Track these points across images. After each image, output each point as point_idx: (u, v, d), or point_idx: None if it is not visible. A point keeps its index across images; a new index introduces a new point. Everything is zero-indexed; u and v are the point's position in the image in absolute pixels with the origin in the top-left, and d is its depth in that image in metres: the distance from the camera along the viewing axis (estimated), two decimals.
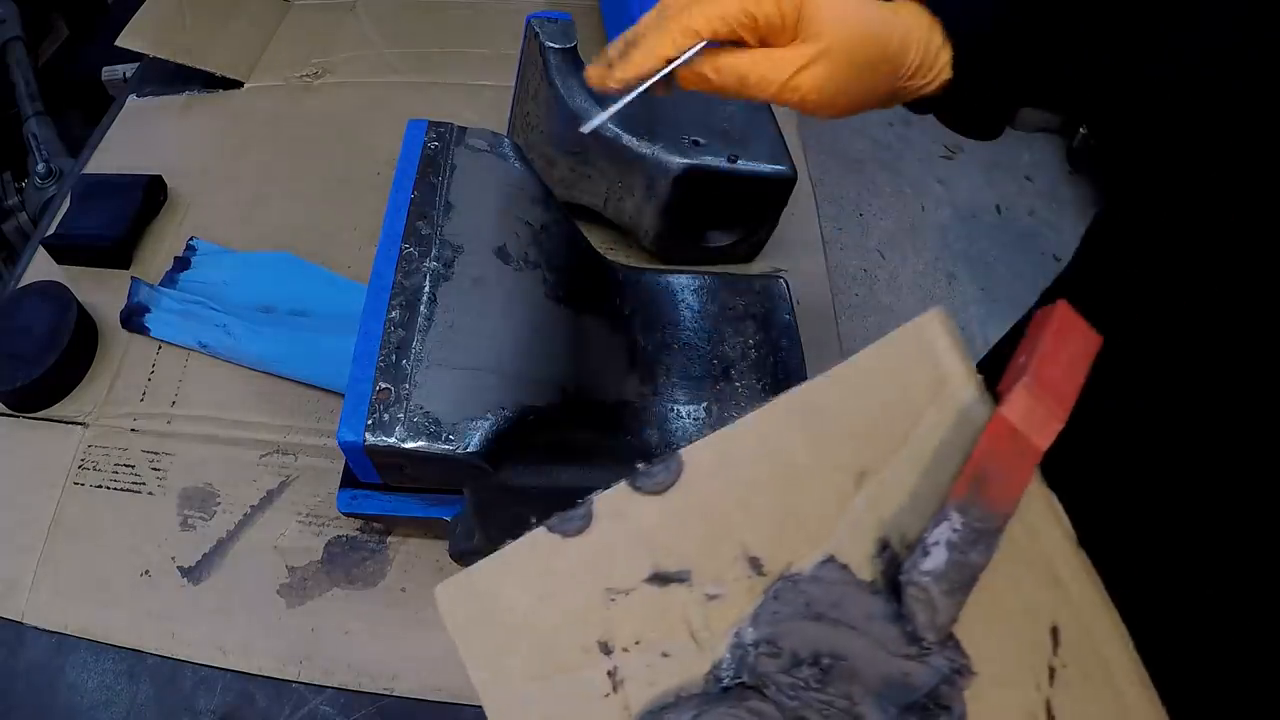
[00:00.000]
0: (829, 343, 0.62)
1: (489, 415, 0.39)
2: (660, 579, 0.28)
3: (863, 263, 1.78)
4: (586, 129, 0.40)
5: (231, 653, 0.48)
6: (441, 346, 0.40)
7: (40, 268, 0.65)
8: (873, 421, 0.29)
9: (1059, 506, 0.28)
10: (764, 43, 0.37)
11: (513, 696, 0.27)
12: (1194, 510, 0.39)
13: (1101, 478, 0.44)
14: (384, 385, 0.39)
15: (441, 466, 0.40)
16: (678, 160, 0.56)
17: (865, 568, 0.28)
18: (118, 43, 0.73)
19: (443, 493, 0.48)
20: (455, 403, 0.39)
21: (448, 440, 0.38)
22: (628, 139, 0.57)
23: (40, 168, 0.93)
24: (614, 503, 0.28)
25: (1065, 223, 1.86)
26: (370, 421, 0.38)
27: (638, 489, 0.28)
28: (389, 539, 0.52)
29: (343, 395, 0.40)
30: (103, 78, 0.96)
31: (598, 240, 0.64)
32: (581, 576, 0.27)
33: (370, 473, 0.41)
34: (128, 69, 0.91)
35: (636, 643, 0.27)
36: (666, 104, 0.58)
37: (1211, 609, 0.40)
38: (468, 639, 0.27)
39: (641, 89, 0.38)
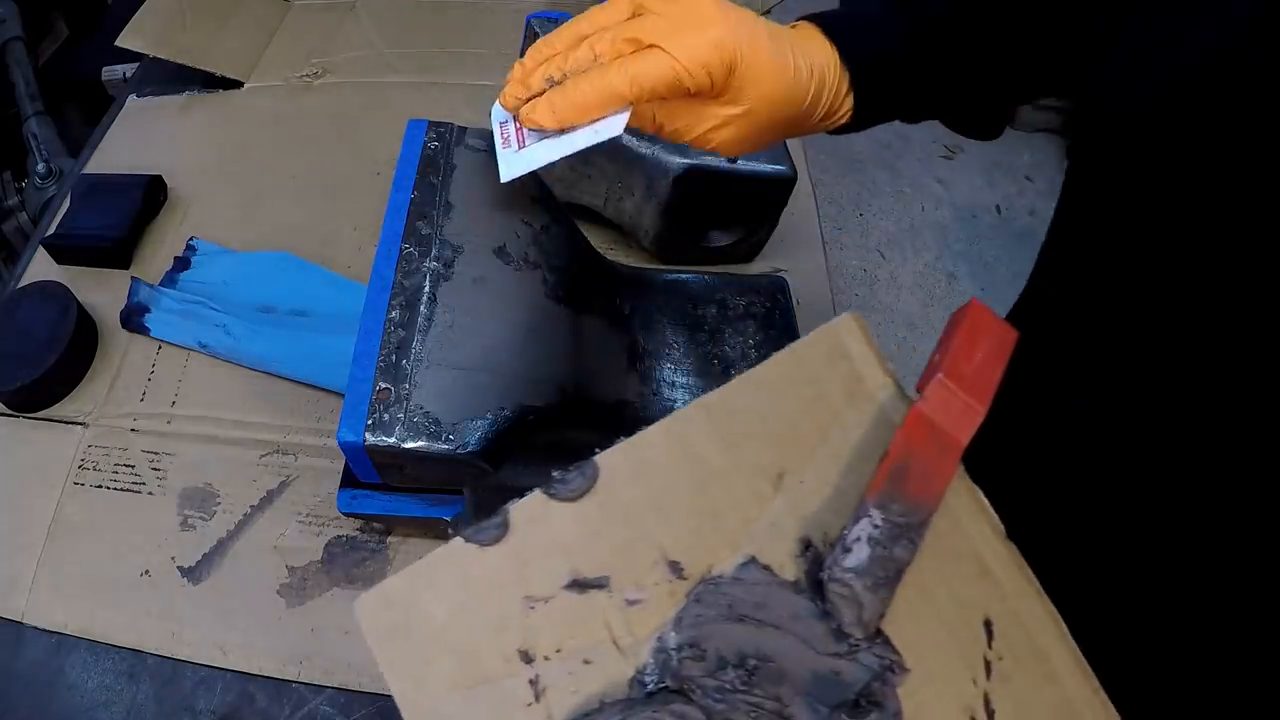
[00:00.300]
0: None
1: (489, 415, 0.39)
2: (579, 585, 0.27)
3: (863, 263, 1.78)
4: (505, 179, 0.40)
5: (231, 653, 0.48)
6: (441, 346, 0.40)
7: (40, 268, 0.65)
8: (790, 422, 0.29)
9: (985, 500, 0.28)
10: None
11: (434, 708, 0.26)
12: (1142, 506, 0.39)
13: (1053, 473, 0.45)
14: (384, 385, 0.39)
15: (441, 466, 0.40)
16: (678, 160, 0.56)
17: (788, 567, 0.28)
18: (118, 43, 0.73)
19: (443, 493, 0.48)
20: (455, 403, 0.39)
21: (448, 440, 0.38)
22: (628, 138, 0.57)
23: (40, 168, 0.93)
24: (530, 510, 0.28)
25: None
26: (370, 421, 0.38)
27: (553, 496, 0.28)
28: (389, 539, 0.52)
29: (343, 395, 0.40)
30: (103, 78, 0.96)
31: (598, 240, 0.64)
32: (500, 585, 0.27)
33: (370, 473, 0.41)
34: (128, 69, 0.91)
35: (558, 650, 0.27)
36: None
37: (1150, 600, 0.40)
38: (387, 651, 0.27)
39: (577, 150, 0.38)
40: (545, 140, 0.39)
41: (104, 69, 0.96)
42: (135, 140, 0.76)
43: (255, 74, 0.80)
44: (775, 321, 0.57)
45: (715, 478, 0.28)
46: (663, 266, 0.63)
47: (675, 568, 0.28)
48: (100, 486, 0.54)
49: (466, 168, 0.47)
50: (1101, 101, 0.36)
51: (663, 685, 0.26)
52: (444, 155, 0.47)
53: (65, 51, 1.15)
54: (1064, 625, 0.28)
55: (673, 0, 0.37)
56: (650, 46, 0.36)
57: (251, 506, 0.53)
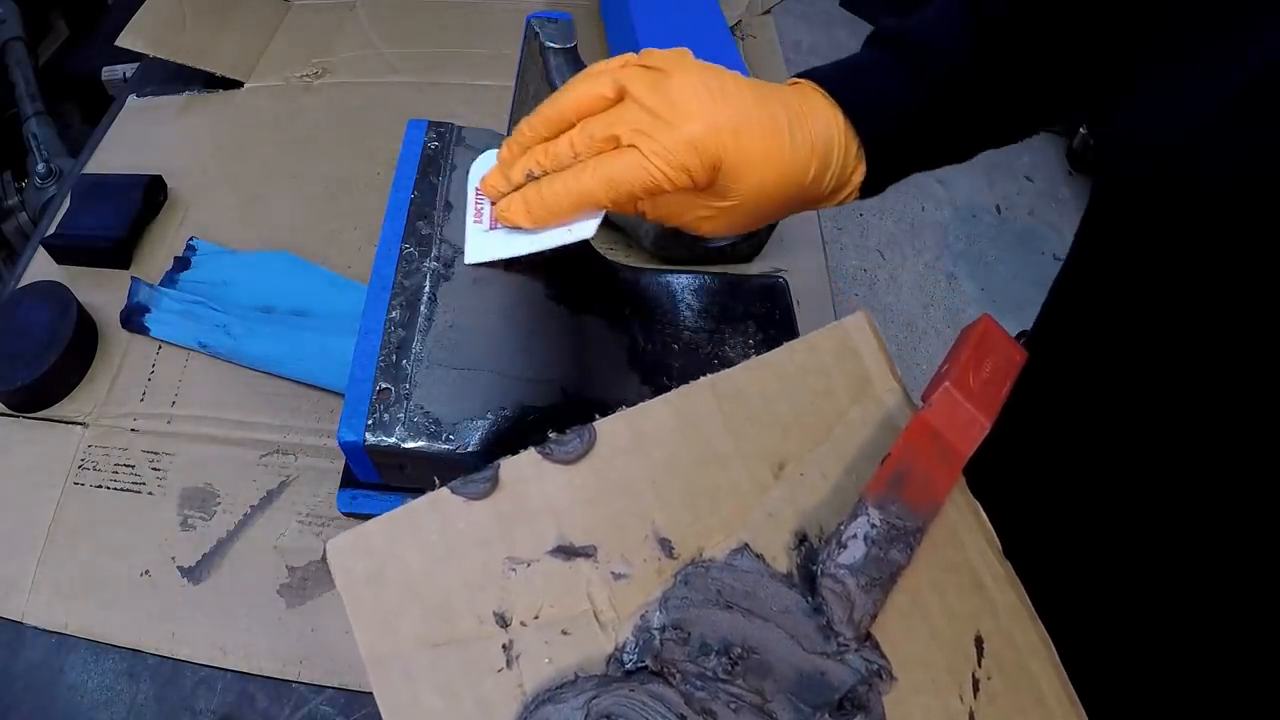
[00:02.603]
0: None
1: (489, 415, 0.39)
2: (565, 552, 0.26)
3: (863, 263, 1.78)
4: (470, 261, 0.40)
5: (231, 653, 0.47)
6: (441, 346, 0.40)
7: (40, 268, 0.65)
8: (795, 413, 0.28)
9: (984, 516, 0.28)
10: None
11: (399, 663, 0.25)
12: (1138, 527, 0.39)
13: (1054, 496, 0.44)
14: (384, 385, 0.39)
15: (442, 466, 0.40)
16: None
17: (782, 559, 0.27)
18: (118, 43, 0.73)
19: None
20: (455, 403, 0.39)
21: (448, 440, 0.38)
22: None
23: (40, 168, 0.93)
24: (522, 469, 0.27)
25: (1065, 223, 1.86)
26: (370, 421, 0.38)
27: (547, 456, 0.27)
28: None
29: (343, 395, 0.40)
30: (103, 78, 0.96)
31: (598, 240, 0.63)
32: (482, 542, 0.26)
33: (370, 472, 0.41)
34: (128, 69, 0.91)
35: (535, 617, 0.26)
36: None
37: (1144, 627, 0.40)
38: (357, 597, 0.26)
39: (546, 249, 0.38)
40: (516, 233, 0.39)
41: (104, 69, 0.96)
42: (135, 140, 0.75)
43: (255, 74, 0.80)
44: (775, 322, 0.57)
45: (716, 459, 0.28)
46: (663, 267, 0.63)
47: (666, 545, 0.27)
48: (100, 486, 0.54)
49: (466, 167, 0.47)
50: (1130, 134, 0.34)
51: (642, 665, 0.25)
52: (444, 155, 0.47)
53: (65, 51, 1.15)
54: (1054, 650, 0.27)
55: (656, 85, 0.34)
56: (629, 146, 0.34)
57: (251, 506, 0.53)
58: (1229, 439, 0.33)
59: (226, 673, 0.47)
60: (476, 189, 0.42)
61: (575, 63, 0.57)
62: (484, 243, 0.40)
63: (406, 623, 0.25)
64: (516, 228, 0.38)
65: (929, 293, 1.76)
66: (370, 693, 0.46)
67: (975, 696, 0.26)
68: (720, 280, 0.59)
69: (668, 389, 0.52)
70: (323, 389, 0.57)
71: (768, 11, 0.89)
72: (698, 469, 0.27)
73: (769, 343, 0.56)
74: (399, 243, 0.43)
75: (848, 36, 2.32)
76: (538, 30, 0.57)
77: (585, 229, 0.37)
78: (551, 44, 0.56)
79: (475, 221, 0.41)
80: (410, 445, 0.38)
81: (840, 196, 0.40)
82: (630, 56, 0.37)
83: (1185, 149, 0.30)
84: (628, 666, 0.25)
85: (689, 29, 0.71)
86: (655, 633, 0.26)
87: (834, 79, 0.39)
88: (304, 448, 0.55)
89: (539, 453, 0.27)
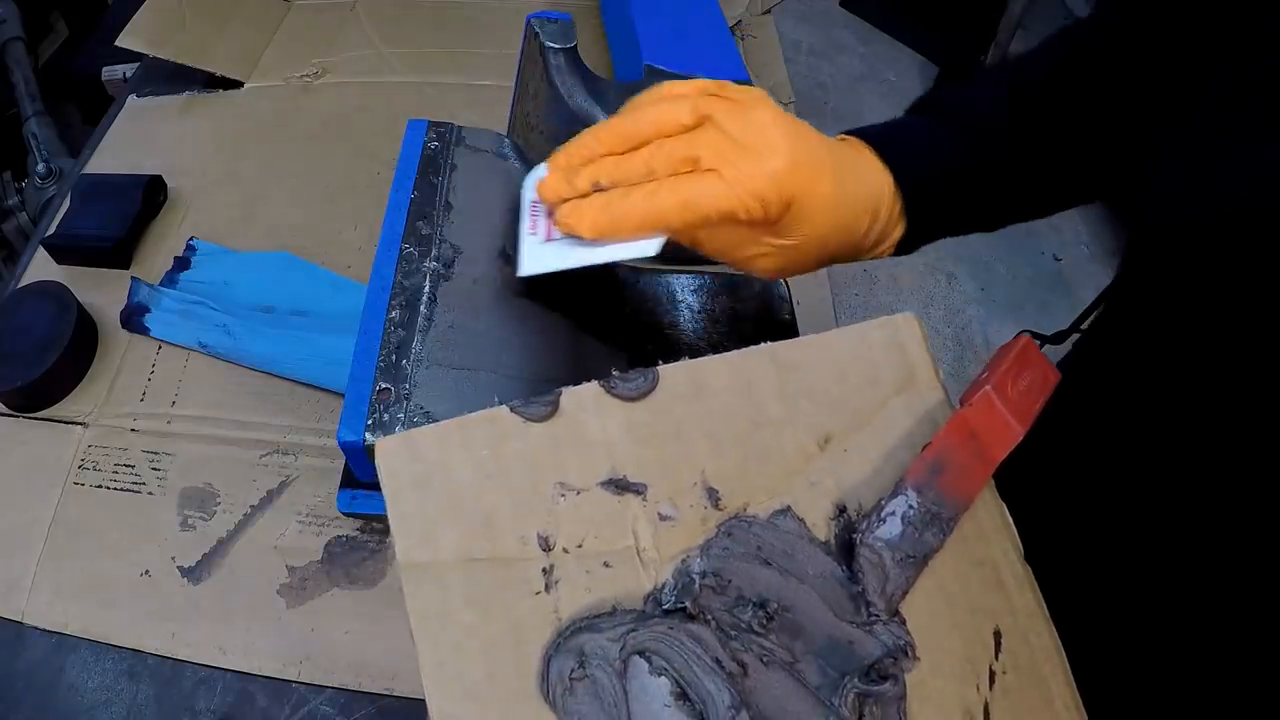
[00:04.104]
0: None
1: None
2: (616, 486, 0.26)
3: (862, 263, 1.78)
4: (524, 273, 0.38)
5: (231, 653, 0.47)
6: (441, 346, 0.40)
7: (40, 268, 0.65)
8: (844, 394, 0.29)
9: (1009, 519, 0.29)
10: None
11: (434, 574, 0.25)
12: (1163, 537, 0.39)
13: (1078, 508, 0.45)
14: (384, 385, 0.39)
15: None
16: None
17: (821, 527, 0.28)
18: (118, 43, 0.73)
19: None
20: (455, 403, 0.39)
21: None
22: None
23: (40, 168, 0.93)
24: (583, 399, 0.27)
25: (1065, 223, 1.86)
26: (370, 421, 0.38)
27: (609, 390, 0.27)
28: (389, 539, 0.52)
29: (343, 395, 0.40)
30: (103, 78, 0.96)
31: None
32: (535, 464, 0.26)
33: (370, 472, 0.41)
34: (128, 69, 0.91)
35: (579, 546, 0.26)
36: None
37: (1149, 641, 0.41)
38: (402, 502, 0.25)
39: (604, 263, 0.36)
40: (574, 244, 0.37)
41: (104, 69, 0.96)
42: (135, 140, 0.75)
43: (255, 74, 0.80)
44: (775, 322, 0.57)
45: (768, 423, 0.28)
46: (663, 267, 0.63)
47: (713, 495, 0.27)
48: (100, 486, 0.54)
49: (466, 168, 0.47)
50: (1158, 213, 0.34)
51: (680, 607, 0.26)
52: (444, 155, 0.47)
53: (65, 51, 1.15)
54: (1065, 656, 0.28)
55: (739, 115, 0.34)
56: (709, 170, 0.33)
57: (251, 506, 0.53)
58: (1250, 475, 0.33)
59: (226, 673, 0.47)
60: (533, 200, 0.40)
61: (575, 62, 0.57)
62: (539, 254, 0.38)
63: (448, 534, 0.25)
64: (575, 237, 0.36)
65: (929, 293, 1.76)
66: (370, 693, 0.46)
67: (991, 688, 0.27)
68: (720, 280, 0.59)
69: None
70: (323, 389, 0.57)
71: (768, 11, 0.89)
72: (750, 429, 0.28)
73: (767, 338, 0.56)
74: (399, 243, 0.43)
75: (848, 36, 2.32)
76: (538, 30, 0.57)
77: (646, 247, 0.35)
78: (551, 44, 0.56)
79: (531, 232, 0.39)
80: None
81: (878, 250, 0.41)
82: (707, 84, 0.36)
83: (1216, 227, 0.31)
84: (665, 606, 0.26)
85: (689, 29, 0.71)
86: (695, 578, 0.26)
87: (881, 138, 0.40)
88: (304, 448, 0.55)
89: (601, 386, 0.27)
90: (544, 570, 0.25)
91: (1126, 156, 0.40)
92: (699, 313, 0.57)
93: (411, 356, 0.40)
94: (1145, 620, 0.41)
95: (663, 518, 0.27)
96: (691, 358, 0.53)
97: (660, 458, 0.27)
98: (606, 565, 0.26)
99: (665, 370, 0.28)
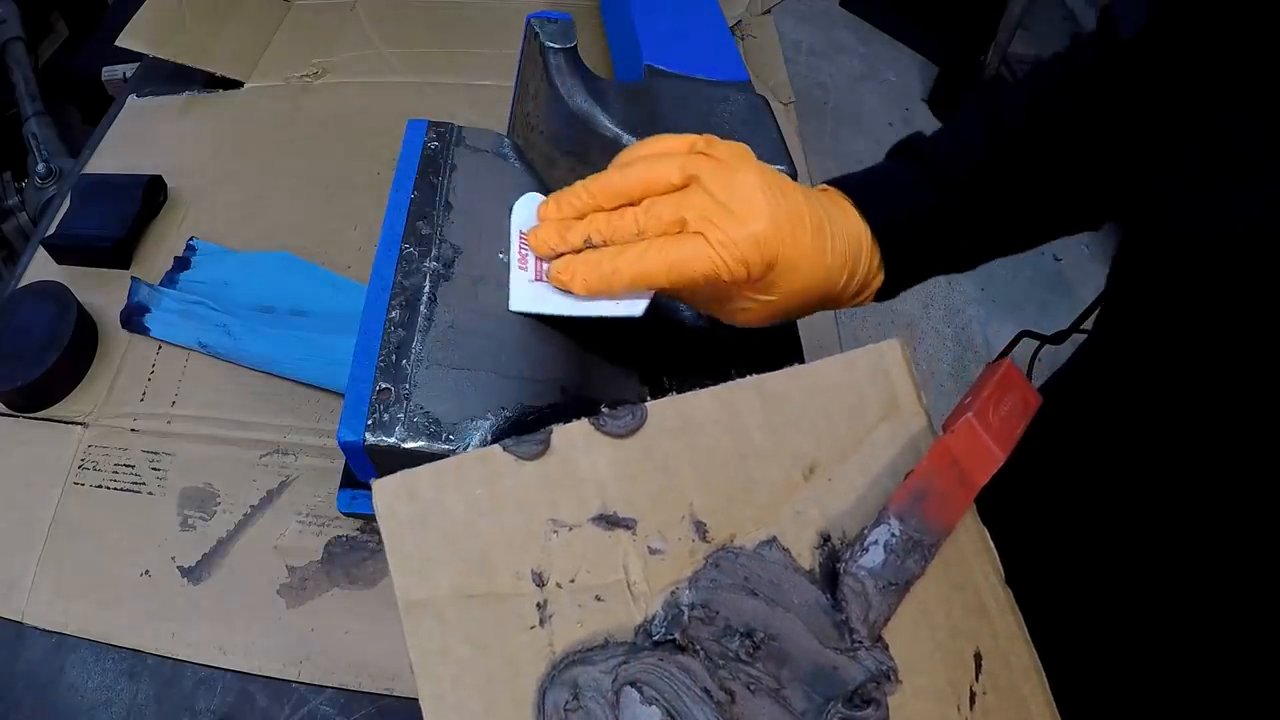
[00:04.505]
0: (829, 344, 0.62)
1: (489, 415, 0.39)
2: (606, 521, 0.27)
3: None
4: (514, 309, 0.40)
5: (231, 653, 0.48)
6: (441, 346, 0.40)
7: (40, 268, 0.65)
8: (829, 422, 0.30)
9: (990, 543, 0.30)
10: None
11: (433, 610, 0.26)
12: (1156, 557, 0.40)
13: (1064, 526, 0.45)
14: (384, 385, 0.39)
15: None
16: None
17: (806, 556, 0.28)
18: (118, 43, 0.73)
19: None
20: (455, 403, 0.39)
21: (448, 440, 0.38)
22: (627, 139, 0.56)
23: (40, 168, 0.93)
24: (573, 437, 0.28)
25: None
26: (370, 421, 0.38)
27: (599, 428, 0.28)
28: None
29: (343, 395, 0.40)
30: (103, 78, 0.96)
31: None
32: (528, 502, 0.27)
33: (370, 473, 0.41)
34: (128, 69, 0.91)
35: (571, 580, 0.27)
36: (665, 103, 0.58)
37: (1126, 660, 0.41)
38: (400, 541, 0.26)
39: (591, 315, 0.38)
40: (563, 294, 0.39)
41: (104, 69, 0.96)
42: (135, 140, 0.75)
43: (255, 74, 0.80)
44: (776, 326, 0.57)
45: (754, 454, 0.29)
46: None
47: (700, 528, 0.28)
48: (100, 486, 0.54)
49: (466, 168, 0.47)
50: (1167, 228, 0.34)
51: (669, 638, 0.26)
52: (444, 155, 0.47)
53: (65, 51, 1.15)
54: (1044, 676, 0.29)
55: (724, 176, 0.35)
56: (695, 233, 0.35)
57: (251, 506, 0.53)
58: (1247, 496, 0.34)
59: (226, 673, 0.47)
60: (522, 234, 0.41)
61: (575, 62, 0.57)
62: (529, 294, 0.41)
63: (445, 571, 0.26)
64: (565, 290, 0.39)
65: (929, 293, 1.76)
66: (370, 693, 0.46)
67: (971, 709, 0.28)
68: None
69: (667, 389, 0.52)
70: (323, 389, 0.57)
71: (768, 11, 0.89)
72: (736, 461, 0.29)
73: (768, 345, 0.56)
74: (399, 243, 0.43)
75: (848, 36, 2.32)
76: (538, 30, 0.57)
77: (633, 307, 0.38)
78: (551, 44, 0.56)
79: (520, 269, 0.41)
80: (410, 445, 0.38)
81: (858, 299, 0.42)
82: (695, 140, 0.37)
83: (1227, 244, 0.31)
84: (655, 638, 0.26)
85: (689, 29, 0.71)
86: (684, 609, 0.27)
87: (859, 190, 0.41)
88: (304, 448, 0.55)
89: (591, 424, 0.28)
90: (538, 605, 0.26)
91: (1112, 191, 0.41)
92: (699, 318, 0.57)
93: (411, 356, 0.40)
94: (1125, 637, 0.41)
95: (652, 551, 0.27)
96: (689, 358, 0.53)
97: (649, 492, 0.28)
98: (598, 599, 0.27)
99: (653, 406, 0.29)
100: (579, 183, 0.39)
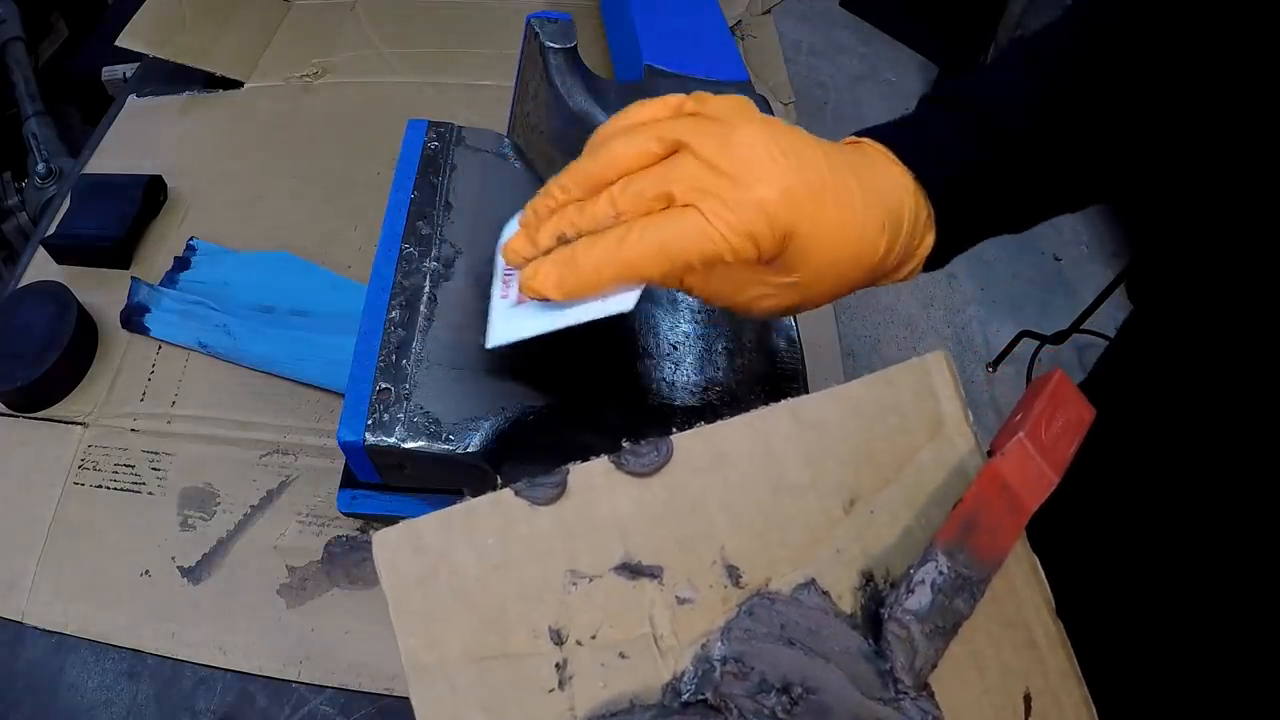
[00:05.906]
0: (829, 344, 0.62)
1: (489, 415, 0.39)
2: (630, 570, 0.25)
3: None
4: (491, 345, 0.34)
5: (231, 653, 0.47)
6: (442, 346, 0.40)
7: (40, 268, 0.65)
8: (870, 449, 0.27)
9: (1041, 572, 0.28)
10: None
11: (443, 675, 0.23)
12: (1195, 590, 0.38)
13: (1116, 551, 0.43)
14: (384, 385, 0.39)
15: (441, 466, 0.40)
16: None
17: (847, 598, 0.26)
18: (118, 43, 0.73)
19: (443, 493, 0.48)
20: (455, 403, 0.39)
21: (448, 440, 0.38)
22: None
23: (40, 168, 0.93)
24: (592, 477, 0.25)
25: (1065, 223, 1.86)
26: (370, 421, 0.38)
27: (620, 467, 0.25)
28: None
29: (343, 395, 0.40)
30: (103, 78, 0.96)
31: None
32: (544, 552, 0.25)
33: (370, 473, 0.41)
34: (128, 69, 0.91)
35: (593, 637, 0.24)
36: None
37: (1181, 694, 0.39)
38: (404, 600, 0.24)
39: (578, 323, 0.32)
40: (545, 308, 0.33)
41: (104, 69, 0.96)
42: (135, 140, 0.75)
43: (255, 74, 0.80)
44: (775, 323, 0.57)
45: (790, 489, 0.27)
46: None
47: (733, 573, 0.26)
48: (100, 486, 0.54)
49: (466, 168, 0.47)
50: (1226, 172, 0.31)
51: (700, 698, 0.24)
52: (444, 155, 0.47)
53: (65, 51, 1.15)
54: (1094, 711, 0.27)
55: (716, 136, 0.29)
56: (685, 206, 0.29)
57: (251, 506, 0.53)
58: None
59: (226, 673, 0.47)
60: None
61: (575, 62, 0.57)
62: (507, 320, 0.34)
63: (455, 632, 0.24)
64: (544, 300, 0.32)
65: (929, 293, 1.76)
66: (370, 693, 0.46)
67: None
68: None
69: (666, 388, 0.52)
70: (323, 389, 0.57)
71: (768, 11, 0.89)
72: (771, 497, 0.26)
73: (768, 345, 0.56)
74: (399, 243, 0.43)
75: (848, 36, 2.32)
76: (538, 30, 0.57)
77: (622, 302, 0.31)
78: (551, 44, 0.56)
79: (502, 296, 0.35)
80: (410, 445, 0.38)
81: (904, 271, 0.35)
82: (681, 100, 0.31)
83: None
84: (685, 698, 0.24)
85: (689, 29, 0.71)
86: (716, 664, 0.25)
87: (898, 138, 0.34)
88: (304, 448, 0.55)
89: (611, 462, 0.25)
90: (557, 665, 0.24)
91: (1173, 142, 0.36)
92: (698, 313, 0.57)
93: (411, 356, 0.40)
94: (1174, 665, 0.39)
95: (681, 601, 0.25)
96: (689, 358, 0.53)
97: (676, 536, 0.25)
98: (622, 656, 0.24)
99: (680, 440, 0.26)
100: (551, 180, 0.33)
